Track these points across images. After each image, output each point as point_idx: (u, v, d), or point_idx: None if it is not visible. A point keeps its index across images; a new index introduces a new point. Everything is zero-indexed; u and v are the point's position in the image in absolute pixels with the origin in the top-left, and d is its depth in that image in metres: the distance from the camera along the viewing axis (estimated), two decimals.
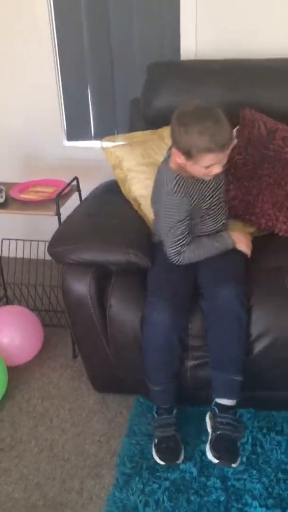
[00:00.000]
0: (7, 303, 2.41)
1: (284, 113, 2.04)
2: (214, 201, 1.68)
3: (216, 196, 1.68)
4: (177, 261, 1.64)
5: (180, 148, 1.50)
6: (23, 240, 2.42)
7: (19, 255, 2.54)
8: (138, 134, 1.98)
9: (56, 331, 2.26)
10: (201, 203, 1.65)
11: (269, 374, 1.63)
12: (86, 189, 2.11)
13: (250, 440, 1.64)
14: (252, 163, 1.84)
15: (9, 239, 2.43)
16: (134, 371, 1.72)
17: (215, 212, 1.70)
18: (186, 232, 1.63)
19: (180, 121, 1.48)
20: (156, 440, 1.61)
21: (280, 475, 1.53)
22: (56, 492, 1.56)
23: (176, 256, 1.64)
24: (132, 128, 2.15)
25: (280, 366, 1.61)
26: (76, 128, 2.64)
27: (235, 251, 1.71)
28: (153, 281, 1.64)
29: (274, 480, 1.51)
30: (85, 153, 2.62)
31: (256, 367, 1.62)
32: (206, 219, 1.69)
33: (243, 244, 1.70)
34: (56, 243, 1.71)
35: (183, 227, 1.62)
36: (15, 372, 2.03)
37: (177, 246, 1.63)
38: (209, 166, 1.50)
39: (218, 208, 1.70)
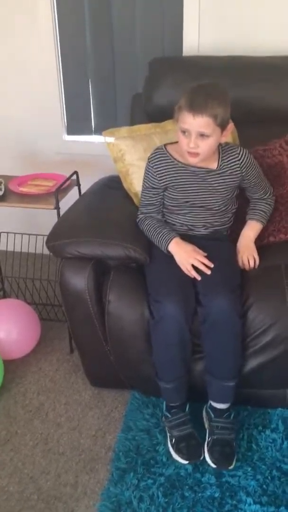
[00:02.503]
0: (5, 296, 2.41)
1: (283, 111, 2.04)
2: (198, 200, 1.69)
3: (202, 197, 1.69)
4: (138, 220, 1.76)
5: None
6: (22, 234, 2.41)
7: (17, 249, 2.53)
8: (141, 127, 1.96)
9: (53, 325, 2.25)
10: (178, 190, 1.68)
11: (265, 372, 1.63)
12: (86, 183, 2.10)
13: (245, 437, 1.64)
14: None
15: (8, 232, 2.42)
16: (132, 367, 1.72)
17: (196, 211, 1.70)
18: (147, 202, 1.74)
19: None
20: (173, 440, 1.58)
21: (274, 472, 1.53)
22: (51, 486, 1.55)
23: (138, 216, 1.76)
24: (133, 124, 2.13)
25: (276, 364, 1.61)
26: (76, 122, 2.63)
27: (230, 255, 1.70)
28: (155, 279, 1.63)
29: (269, 477, 1.51)
30: (85, 148, 2.61)
31: (252, 365, 1.62)
32: (183, 212, 1.72)
33: (179, 261, 1.63)
34: (55, 237, 1.70)
35: (146, 196, 1.74)
36: (11, 366, 2.03)
37: (140, 209, 1.77)
38: (184, 132, 1.56)
39: (200, 209, 1.70)
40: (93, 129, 2.63)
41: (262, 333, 1.58)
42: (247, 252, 1.71)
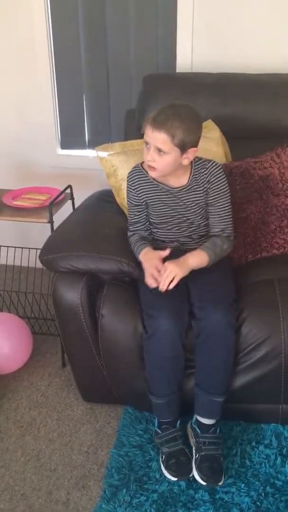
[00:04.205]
0: None
1: (274, 128, 2.07)
2: (177, 217, 1.69)
3: (179, 213, 1.68)
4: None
5: None
6: (15, 247, 2.41)
7: (10, 262, 2.52)
8: (134, 143, 1.98)
9: (46, 339, 2.24)
10: (156, 207, 1.70)
11: (258, 387, 1.63)
12: (79, 197, 2.11)
13: (238, 453, 1.63)
14: (232, 211, 1.76)
15: (1, 246, 2.41)
16: (125, 381, 1.72)
17: (179, 225, 1.70)
18: (133, 220, 1.75)
19: None
20: (164, 457, 1.57)
21: (268, 489, 1.52)
22: (42, 503, 1.53)
23: (128, 233, 1.77)
24: (126, 138, 2.16)
25: (269, 379, 1.61)
26: (70, 137, 2.65)
27: (226, 270, 1.70)
28: (148, 293, 1.62)
29: (262, 494, 1.50)
30: (79, 162, 2.62)
31: (246, 380, 1.62)
32: (168, 228, 1.72)
33: (145, 275, 1.59)
34: (48, 251, 1.70)
35: (132, 214, 1.76)
36: (3, 381, 2.01)
37: (128, 227, 1.77)
38: (146, 144, 1.57)
39: (183, 224, 1.70)
40: (86, 143, 2.65)
41: (255, 348, 1.58)
42: (176, 272, 1.53)
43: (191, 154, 1.58)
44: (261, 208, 1.84)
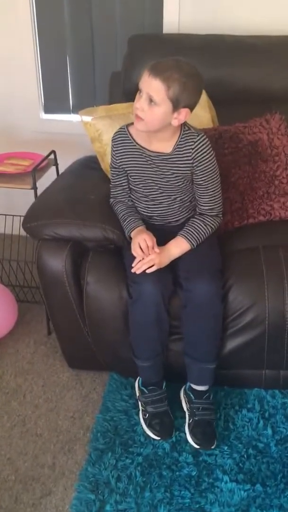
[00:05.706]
0: None
1: (262, 92, 2.03)
2: (154, 188, 1.63)
3: (157, 184, 1.62)
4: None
5: None
6: None
7: None
8: (119, 106, 1.93)
9: (31, 307, 2.23)
10: (134, 175, 1.64)
11: (243, 353, 1.65)
12: (64, 163, 2.07)
13: (222, 417, 1.66)
14: (220, 176, 1.70)
15: None
16: (110, 348, 1.72)
17: (159, 200, 1.65)
18: (116, 184, 1.71)
19: None
20: (147, 415, 1.60)
21: (250, 451, 1.55)
22: (28, 467, 1.55)
23: (110, 199, 1.74)
24: (111, 102, 2.10)
25: (255, 345, 1.63)
26: (54, 101, 2.58)
27: (211, 240, 1.67)
28: (133, 260, 1.60)
29: (245, 456, 1.54)
30: (63, 127, 2.57)
31: (231, 346, 1.63)
32: (141, 197, 1.68)
33: (133, 249, 1.57)
34: (32, 218, 1.68)
35: (113, 175, 1.70)
36: None
37: (110, 191, 1.73)
38: (139, 92, 1.48)
39: (161, 199, 1.64)
40: (71, 107, 2.58)
41: (241, 314, 1.59)
42: (156, 262, 1.53)
43: (183, 115, 1.48)
44: (249, 173, 1.82)
